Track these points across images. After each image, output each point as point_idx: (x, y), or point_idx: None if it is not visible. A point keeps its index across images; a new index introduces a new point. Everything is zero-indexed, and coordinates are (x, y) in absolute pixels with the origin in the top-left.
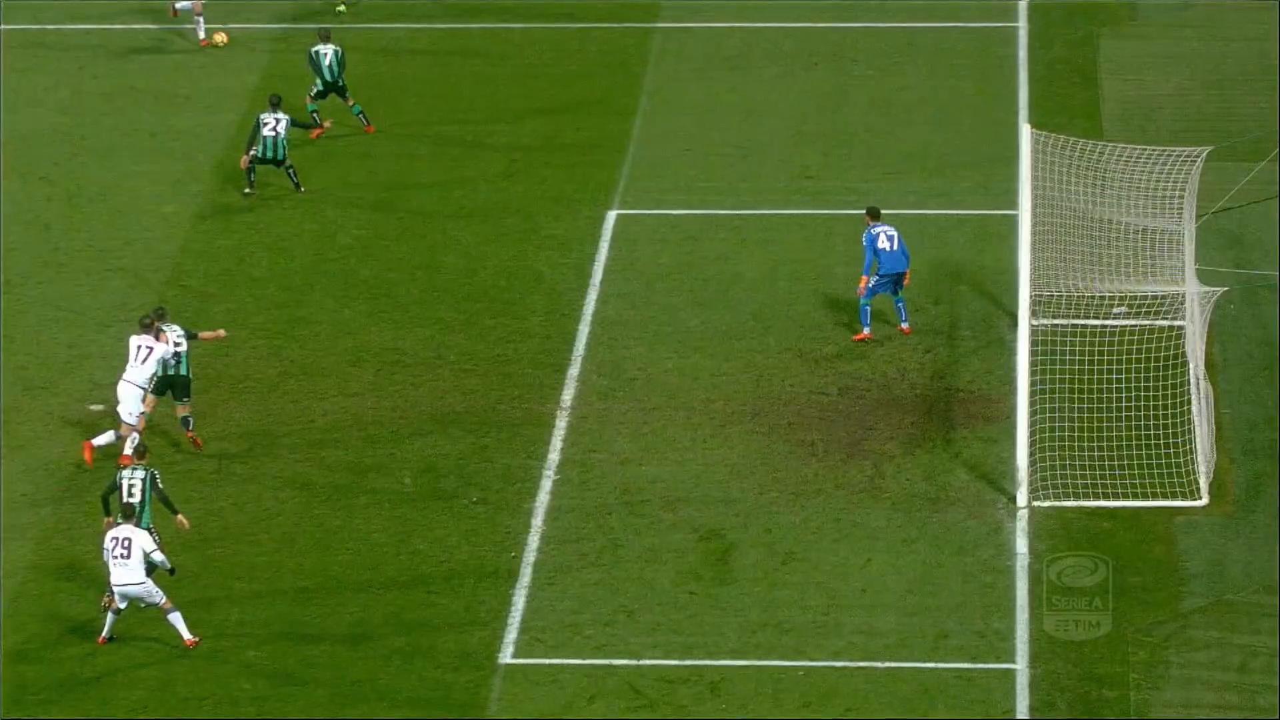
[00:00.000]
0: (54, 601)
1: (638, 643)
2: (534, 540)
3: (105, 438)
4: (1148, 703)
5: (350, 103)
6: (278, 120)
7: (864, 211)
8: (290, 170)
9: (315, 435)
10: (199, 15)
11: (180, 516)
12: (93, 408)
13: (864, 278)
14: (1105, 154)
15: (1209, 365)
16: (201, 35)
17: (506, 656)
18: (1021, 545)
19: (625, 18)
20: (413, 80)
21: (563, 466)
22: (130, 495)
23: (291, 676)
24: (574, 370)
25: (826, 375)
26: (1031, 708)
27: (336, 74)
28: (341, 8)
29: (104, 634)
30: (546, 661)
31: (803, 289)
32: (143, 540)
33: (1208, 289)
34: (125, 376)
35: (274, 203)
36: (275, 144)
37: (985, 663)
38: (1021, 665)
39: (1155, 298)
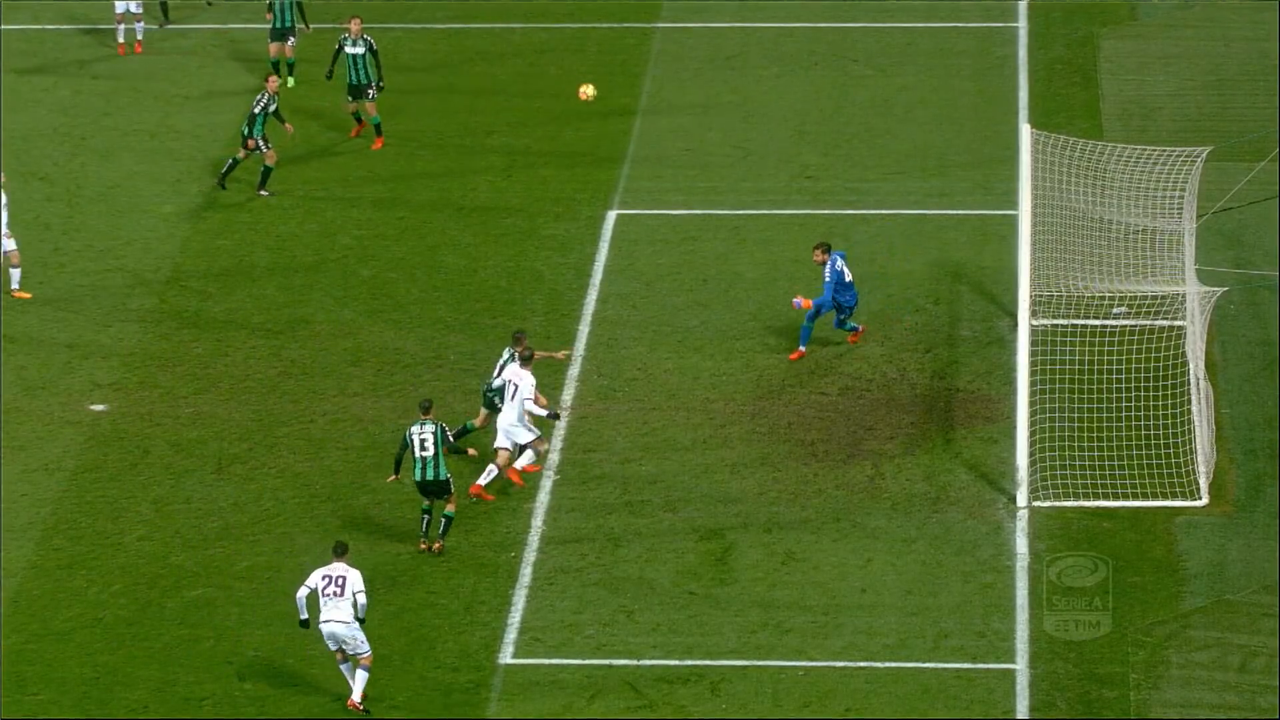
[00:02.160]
0: (54, 601)
1: (638, 643)
2: (534, 540)
3: (525, 459)
4: (1148, 703)
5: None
6: (260, 97)
7: (817, 247)
8: (263, 172)
9: (315, 435)
10: (139, 23)
11: (471, 450)
12: (93, 408)
13: (808, 301)
14: (1105, 154)
15: (1209, 365)
16: (121, 40)
17: (506, 656)
18: (1021, 545)
19: (625, 18)
20: (413, 80)
21: (563, 466)
22: (423, 450)
23: (291, 676)
24: (574, 370)
25: (826, 375)
26: (1031, 708)
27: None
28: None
29: (354, 696)
30: (546, 661)
31: (803, 289)
32: (355, 579)
33: (1208, 289)
34: (503, 415)
35: (274, 203)
36: (250, 119)
37: (985, 663)
38: (1021, 665)
39: (1155, 298)
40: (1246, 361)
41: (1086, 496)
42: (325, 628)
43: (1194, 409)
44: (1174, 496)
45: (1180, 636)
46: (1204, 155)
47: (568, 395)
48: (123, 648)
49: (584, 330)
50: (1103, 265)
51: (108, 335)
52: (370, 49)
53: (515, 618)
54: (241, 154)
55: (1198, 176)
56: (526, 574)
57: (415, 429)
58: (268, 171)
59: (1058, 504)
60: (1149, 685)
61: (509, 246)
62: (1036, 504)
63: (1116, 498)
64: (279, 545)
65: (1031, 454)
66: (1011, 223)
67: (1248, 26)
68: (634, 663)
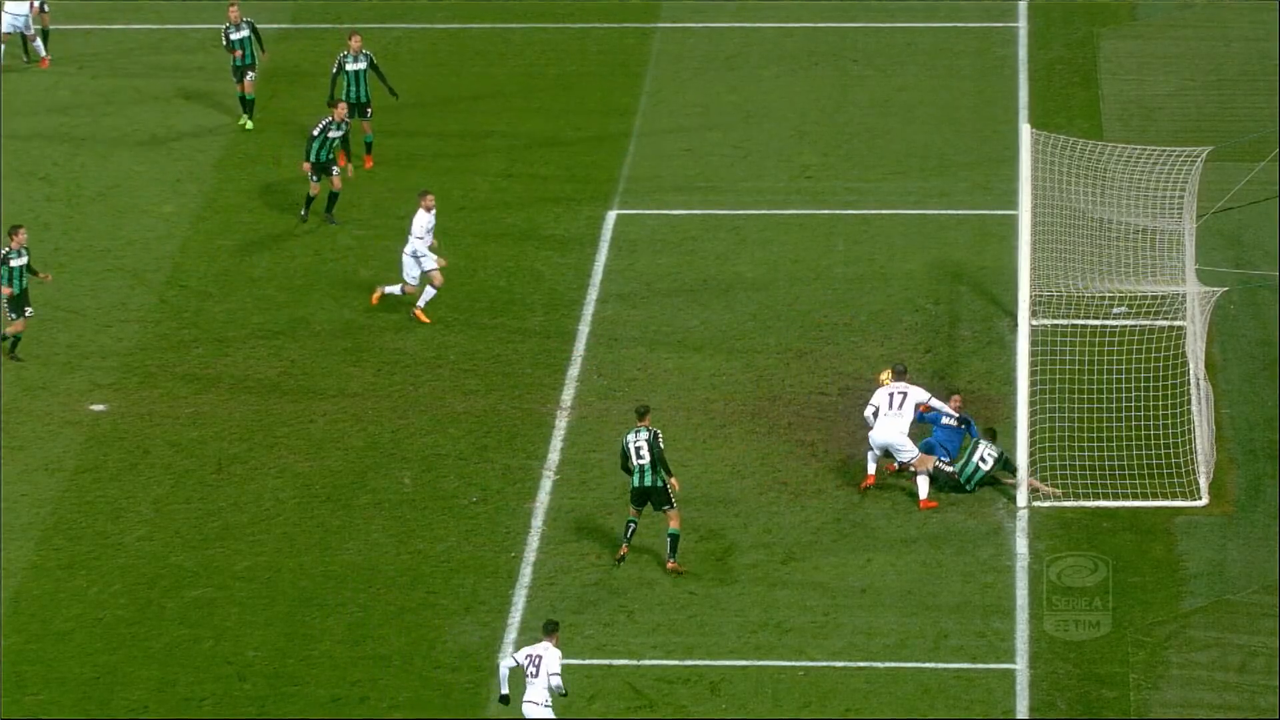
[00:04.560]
0: (54, 601)
1: (638, 643)
2: (534, 540)
3: (923, 489)
4: (1148, 703)
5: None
6: (325, 122)
7: (955, 394)
8: (313, 200)
9: (315, 435)
10: (36, 40)
11: (674, 480)
12: (93, 408)
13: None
14: (1105, 154)
15: (1209, 365)
16: (43, 53)
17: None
18: (1021, 545)
19: (625, 18)
20: (413, 80)
21: (563, 466)
22: (639, 457)
23: (291, 676)
24: (574, 370)
25: (826, 375)
26: (1031, 708)
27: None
28: (246, 123)
29: None
30: None
31: (803, 289)
32: (551, 660)
33: (1208, 289)
34: (887, 425)
35: (274, 203)
36: (308, 141)
37: (985, 663)
38: (1021, 665)
39: (1155, 298)
40: (1246, 361)
41: (1086, 496)
42: (525, 709)
43: (1194, 409)
44: (1174, 496)
45: (1180, 636)
46: (1204, 155)
47: (568, 395)
48: (123, 648)
49: (584, 330)
50: (1103, 265)
51: (108, 335)
52: (371, 63)
53: (515, 618)
54: (335, 183)
55: (1198, 176)
56: (526, 574)
57: (631, 436)
58: (332, 198)
59: (1058, 504)
60: (1149, 685)
61: (509, 246)
62: (1036, 504)
63: (1116, 498)
64: (279, 545)
65: (1031, 454)
66: (1011, 223)
67: (1248, 26)
68: (634, 663)
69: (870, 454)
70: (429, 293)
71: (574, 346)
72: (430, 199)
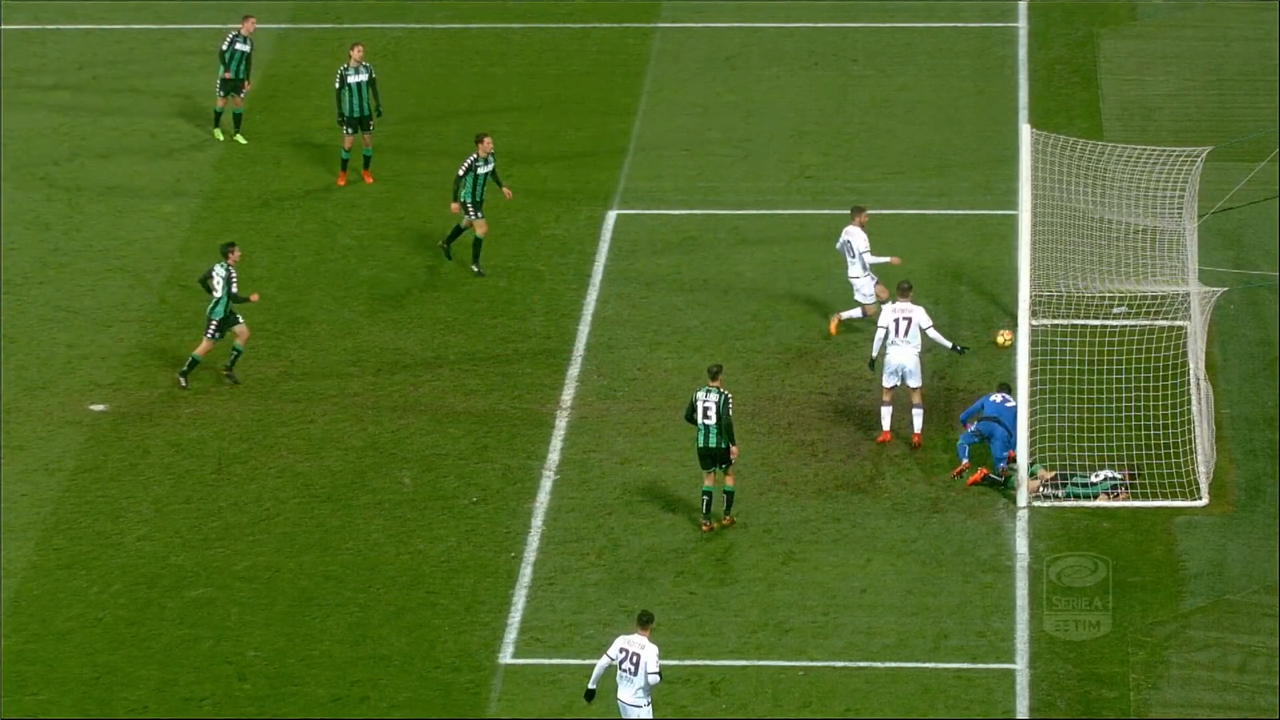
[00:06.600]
0: (54, 601)
1: None
2: (534, 540)
3: (917, 422)
4: (1148, 703)
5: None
6: (476, 160)
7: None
8: (473, 244)
9: (315, 435)
10: None
11: (734, 448)
12: (93, 407)
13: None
14: (1105, 154)
15: (1209, 365)
16: None
17: (506, 656)
18: (1021, 545)
19: (625, 18)
20: (413, 80)
21: (563, 466)
22: (706, 418)
23: (291, 676)
24: (574, 370)
25: (826, 375)
26: (1031, 708)
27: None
28: (239, 138)
29: None
30: (546, 661)
31: (803, 289)
32: (649, 657)
33: (1208, 289)
34: (900, 351)
35: (274, 203)
36: (456, 182)
37: (985, 663)
38: (1021, 665)
39: (1155, 298)
40: (1246, 361)
41: (1086, 497)
42: (621, 709)
43: (1194, 409)
44: (1174, 496)
45: (1180, 636)
46: (1204, 155)
47: (568, 395)
48: (123, 648)
49: (584, 330)
50: (1103, 265)
51: (108, 335)
52: (371, 76)
53: (515, 618)
54: (465, 221)
55: (1198, 176)
56: (526, 574)
57: (701, 394)
58: (477, 244)
59: (1058, 504)
60: (1149, 685)
61: (509, 246)
62: (1036, 504)
63: (1117, 498)
64: (279, 545)
65: (1031, 454)
66: (1011, 223)
67: (1248, 26)
68: None
69: (883, 409)
70: (857, 311)
71: (574, 346)
72: (865, 216)
